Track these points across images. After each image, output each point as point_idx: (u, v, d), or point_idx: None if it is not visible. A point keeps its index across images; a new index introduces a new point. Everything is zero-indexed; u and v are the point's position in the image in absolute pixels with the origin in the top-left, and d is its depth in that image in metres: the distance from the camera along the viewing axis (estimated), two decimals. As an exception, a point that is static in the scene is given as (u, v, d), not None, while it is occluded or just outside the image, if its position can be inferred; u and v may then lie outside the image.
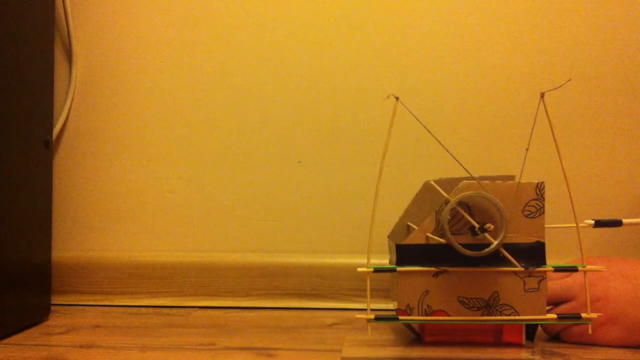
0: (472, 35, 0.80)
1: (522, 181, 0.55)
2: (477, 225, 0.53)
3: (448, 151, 0.57)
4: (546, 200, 0.55)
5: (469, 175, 0.57)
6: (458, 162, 0.54)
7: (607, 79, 0.79)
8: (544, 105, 0.51)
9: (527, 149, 0.57)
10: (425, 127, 0.57)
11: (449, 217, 0.54)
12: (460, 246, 0.53)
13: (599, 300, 0.57)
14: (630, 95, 0.79)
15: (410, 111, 0.54)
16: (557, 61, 0.79)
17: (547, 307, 0.57)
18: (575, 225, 0.54)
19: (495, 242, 0.53)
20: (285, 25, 0.82)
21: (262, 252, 0.81)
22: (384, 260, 0.68)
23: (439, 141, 0.58)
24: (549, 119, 0.53)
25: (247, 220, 0.82)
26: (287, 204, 0.82)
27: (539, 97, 0.53)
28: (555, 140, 0.53)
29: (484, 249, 0.53)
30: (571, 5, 0.79)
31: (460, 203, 0.54)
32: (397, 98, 0.52)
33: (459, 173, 0.62)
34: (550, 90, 0.53)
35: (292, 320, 0.71)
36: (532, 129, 0.56)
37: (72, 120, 0.83)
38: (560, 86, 0.55)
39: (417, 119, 0.56)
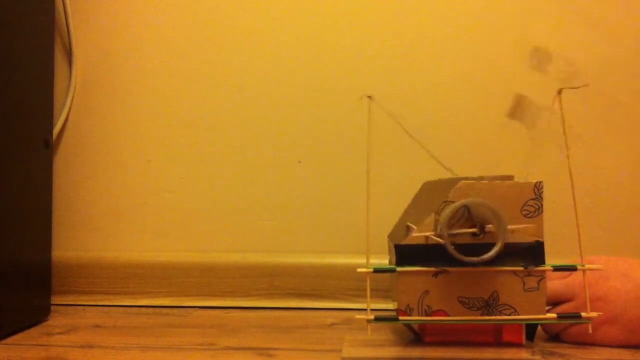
0: (472, 36, 0.80)
1: (520, 181, 0.55)
2: (477, 231, 0.53)
3: (429, 152, 0.57)
4: (546, 200, 0.55)
5: (467, 176, 0.57)
6: (440, 162, 0.54)
7: (607, 79, 0.79)
8: (560, 103, 0.51)
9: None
10: (402, 126, 0.57)
11: (447, 231, 0.53)
12: (455, 252, 0.52)
13: (599, 300, 0.56)
14: (630, 95, 0.79)
15: (385, 110, 0.54)
16: (559, 61, 0.79)
17: (547, 307, 0.57)
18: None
19: (490, 253, 0.52)
20: (285, 25, 0.82)
21: (262, 252, 0.81)
22: (384, 260, 0.68)
23: (418, 142, 0.58)
24: (562, 117, 0.53)
25: (247, 220, 0.82)
26: (287, 204, 0.82)
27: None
28: (565, 138, 0.53)
29: (484, 249, 0.53)
30: (572, 6, 0.79)
31: (461, 206, 0.54)
32: (369, 97, 0.52)
33: (458, 173, 0.62)
34: (566, 87, 0.54)
35: (292, 320, 0.71)
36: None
37: (72, 120, 0.83)
38: (577, 87, 0.56)
39: (394, 118, 0.56)
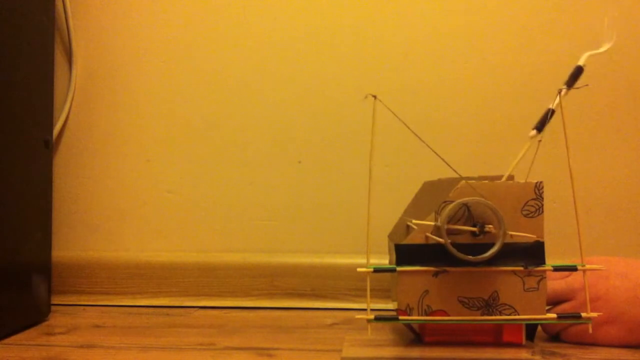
0: (472, 35, 0.80)
1: (520, 181, 0.55)
2: (476, 230, 0.53)
3: (435, 151, 0.56)
4: (547, 200, 0.55)
5: (467, 175, 0.57)
6: (445, 162, 0.54)
7: (607, 79, 0.79)
8: (560, 101, 0.51)
9: (539, 140, 0.57)
10: (407, 126, 0.57)
11: (447, 225, 0.53)
12: (455, 250, 0.52)
13: (599, 299, 0.56)
14: (631, 96, 0.79)
15: (390, 109, 0.54)
16: (559, 62, 0.79)
17: (547, 307, 0.57)
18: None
19: (488, 252, 0.52)
20: (285, 25, 0.82)
21: (262, 252, 0.81)
22: (384, 260, 0.68)
23: (424, 141, 0.58)
24: (562, 117, 0.53)
25: (247, 220, 0.82)
26: (287, 204, 0.82)
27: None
28: (565, 138, 0.53)
29: (483, 249, 0.53)
30: (573, 7, 0.79)
31: (461, 205, 0.54)
32: (374, 97, 0.52)
33: (459, 173, 0.62)
34: (568, 89, 0.54)
35: (292, 320, 0.71)
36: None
37: (72, 120, 0.83)
38: (577, 87, 0.56)
39: (398, 117, 0.56)
